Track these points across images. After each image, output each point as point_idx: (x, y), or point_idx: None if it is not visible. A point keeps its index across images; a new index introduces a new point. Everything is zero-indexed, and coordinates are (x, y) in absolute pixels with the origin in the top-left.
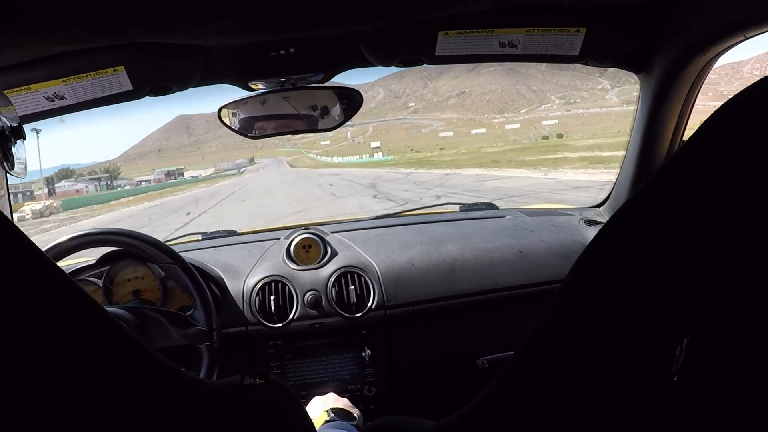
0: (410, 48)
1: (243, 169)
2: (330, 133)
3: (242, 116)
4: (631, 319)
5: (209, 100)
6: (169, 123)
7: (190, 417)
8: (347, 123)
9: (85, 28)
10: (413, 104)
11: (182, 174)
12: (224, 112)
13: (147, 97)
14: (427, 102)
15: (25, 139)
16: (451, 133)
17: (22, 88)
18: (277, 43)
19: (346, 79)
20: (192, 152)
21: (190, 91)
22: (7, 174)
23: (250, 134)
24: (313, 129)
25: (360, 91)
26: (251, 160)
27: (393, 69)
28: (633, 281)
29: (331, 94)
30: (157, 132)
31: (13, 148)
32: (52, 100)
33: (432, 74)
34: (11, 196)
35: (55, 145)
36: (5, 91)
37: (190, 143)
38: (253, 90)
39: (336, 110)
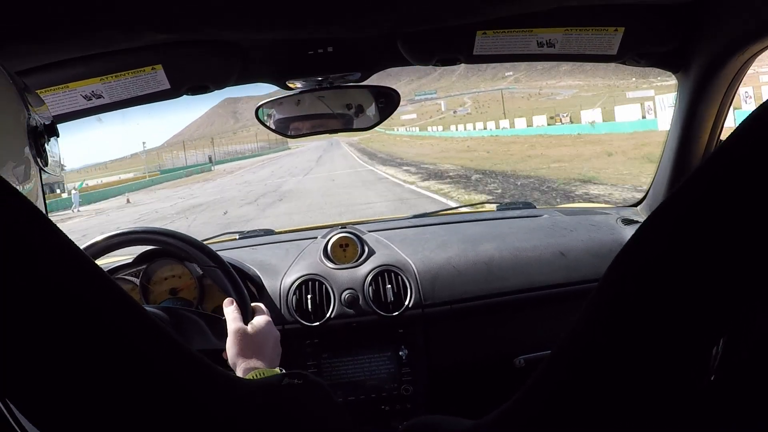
0: (448, 47)
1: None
2: (410, 107)
3: (278, 116)
4: (668, 318)
5: (259, 84)
6: (215, 107)
7: (229, 418)
8: (431, 96)
9: (122, 27)
10: (511, 73)
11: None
12: (261, 111)
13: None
14: (528, 70)
15: (58, 136)
16: (651, 92)
17: (60, 86)
18: (315, 41)
19: None
20: (224, 139)
21: None
22: (41, 171)
23: (287, 134)
24: (349, 128)
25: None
26: (272, 146)
27: None
28: (670, 281)
29: (368, 94)
30: (201, 118)
31: (47, 145)
32: (90, 99)
33: None
34: None
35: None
36: (43, 90)
37: (237, 129)
38: (291, 88)
39: (372, 109)
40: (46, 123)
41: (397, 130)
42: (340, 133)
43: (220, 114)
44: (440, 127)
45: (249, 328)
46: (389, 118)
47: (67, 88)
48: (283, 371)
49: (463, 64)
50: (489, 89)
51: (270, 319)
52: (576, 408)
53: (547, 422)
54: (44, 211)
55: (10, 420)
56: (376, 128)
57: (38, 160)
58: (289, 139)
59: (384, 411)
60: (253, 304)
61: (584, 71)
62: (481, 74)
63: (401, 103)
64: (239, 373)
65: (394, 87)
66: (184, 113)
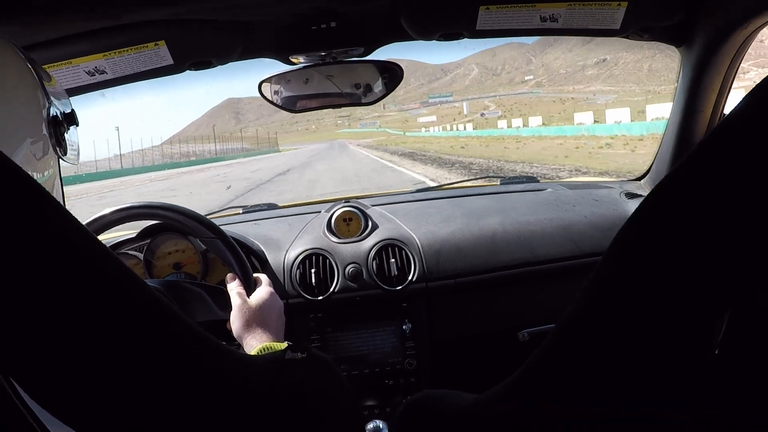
0: (451, 22)
1: None
2: (424, 110)
3: (285, 93)
4: (670, 292)
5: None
6: (216, 107)
7: (232, 391)
8: (446, 99)
9: (126, 2)
10: (531, 77)
11: None
12: (265, 86)
13: (188, 71)
14: (550, 75)
15: (78, 125)
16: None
17: (63, 62)
18: (318, 17)
19: (429, 57)
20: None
21: (240, 71)
22: (60, 160)
23: (292, 109)
24: (356, 103)
25: (449, 68)
26: (246, 150)
27: (483, 46)
28: (674, 254)
29: (373, 69)
30: (202, 117)
31: (66, 134)
32: (93, 75)
33: (535, 49)
34: None
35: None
36: (46, 66)
37: (237, 130)
38: (293, 64)
39: (378, 85)
40: (66, 111)
41: (430, 130)
42: (343, 137)
43: (222, 114)
44: (539, 119)
45: (252, 300)
46: (405, 121)
47: (70, 64)
48: (289, 344)
49: (476, 69)
50: (511, 93)
51: (272, 289)
52: (579, 381)
53: (551, 395)
54: (61, 197)
55: (14, 398)
56: (389, 130)
57: (57, 149)
58: (279, 143)
59: (388, 385)
60: (255, 275)
61: (612, 76)
62: (496, 78)
63: (414, 105)
64: (246, 346)
65: (402, 90)
66: (185, 112)
